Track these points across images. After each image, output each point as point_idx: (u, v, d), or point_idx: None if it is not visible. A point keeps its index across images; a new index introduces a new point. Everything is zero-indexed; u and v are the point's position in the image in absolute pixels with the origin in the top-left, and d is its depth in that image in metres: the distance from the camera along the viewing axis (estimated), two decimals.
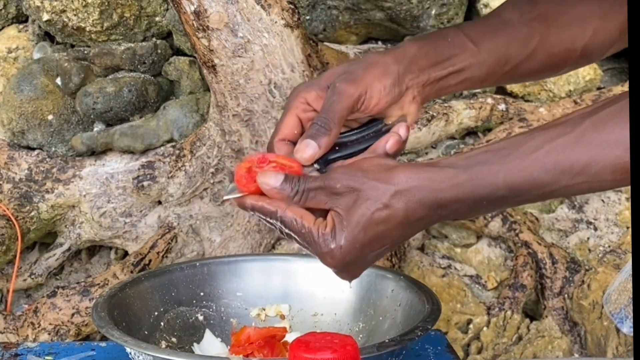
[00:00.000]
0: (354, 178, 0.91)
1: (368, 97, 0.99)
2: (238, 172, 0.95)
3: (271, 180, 0.93)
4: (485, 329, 2.09)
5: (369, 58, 1.03)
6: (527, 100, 2.21)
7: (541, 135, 0.88)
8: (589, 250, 2.16)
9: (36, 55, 2.21)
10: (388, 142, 0.98)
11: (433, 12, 2.15)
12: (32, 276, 2.17)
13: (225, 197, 0.98)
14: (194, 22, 1.76)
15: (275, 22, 1.77)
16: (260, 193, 0.94)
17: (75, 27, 2.12)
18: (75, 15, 2.11)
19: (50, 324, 1.99)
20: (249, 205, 0.95)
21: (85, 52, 2.14)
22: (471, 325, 2.10)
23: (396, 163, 0.94)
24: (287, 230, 0.94)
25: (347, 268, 0.93)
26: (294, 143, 0.99)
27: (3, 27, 2.27)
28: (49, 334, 1.99)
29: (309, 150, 0.95)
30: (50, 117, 2.12)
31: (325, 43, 2.15)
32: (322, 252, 0.91)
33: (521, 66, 1.08)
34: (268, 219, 0.94)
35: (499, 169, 0.88)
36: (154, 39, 2.19)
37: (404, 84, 1.01)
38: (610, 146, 0.85)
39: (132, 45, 2.15)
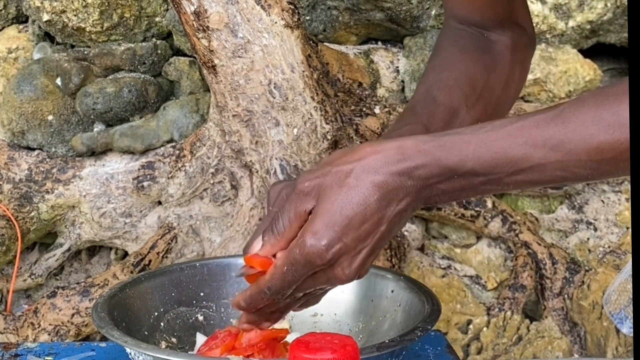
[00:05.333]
0: (319, 170, 0.89)
1: None
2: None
3: (257, 244, 0.93)
4: (485, 329, 2.09)
5: None
6: (527, 101, 2.21)
7: (518, 116, 0.87)
8: (589, 250, 2.16)
9: (36, 56, 2.21)
10: None
11: (433, 12, 2.15)
12: (32, 276, 2.17)
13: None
14: (194, 22, 1.76)
15: (275, 22, 1.77)
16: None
17: (75, 28, 2.12)
18: (75, 15, 2.11)
19: (50, 324, 1.99)
20: (244, 304, 0.96)
21: (85, 52, 2.14)
22: (471, 326, 2.10)
23: (364, 144, 0.93)
24: (284, 291, 0.92)
25: (339, 262, 0.88)
26: None
27: (3, 28, 2.27)
28: (49, 334, 1.99)
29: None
30: (50, 117, 2.12)
31: (325, 43, 2.15)
32: (305, 256, 0.87)
33: None
34: (273, 298, 0.93)
35: (469, 139, 0.85)
36: (154, 40, 2.19)
37: None
38: (585, 124, 0.82)
39: (132, 45, 2.15)
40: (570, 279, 2.11)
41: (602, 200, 2.18)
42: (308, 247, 0.86)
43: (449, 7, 1.18)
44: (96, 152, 2.13)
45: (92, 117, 2.12)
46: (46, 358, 1.24)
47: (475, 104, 1.10)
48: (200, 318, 1.24)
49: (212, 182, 2.06)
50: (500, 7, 1.13)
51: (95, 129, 2.14)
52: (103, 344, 1.28)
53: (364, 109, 2.09)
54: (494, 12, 1.12)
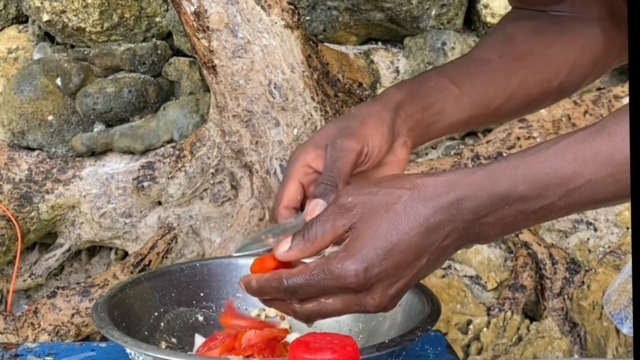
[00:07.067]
0: (364, 189, 0.87)
1: (370, 148, 0.97)
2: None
3: (284, 245, 0.90)
4: (485, 329, 2.09)
5: (361, 110, 1.01)
6: None
7: (562, 135, 0.85)
8: (589, 250, 2.16)
9: (36, 56, 2.21)
10: None
11: (433, 12, 2.15)
12: (32, 277, 2.17)
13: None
14: (194, 22, 1.76)
15: (275, 22, 1.77)
16: None
17: (75, 28, 2.12)
18: (75, 15, 2.11)
19: (50, 324, 1.99)
20: (255, 285, 0.91)
21: (85, 52, 2.14)
22: (471, 326, 2.10)
23: (409, 174, 0.91)
24: (301, 293, 0.87)
25: (374, 289, 0.86)
26: (296, 209, 0.96)
27: (3, 28, 2.28)
28: (49, 334, 1.99)
29: (319, 209, 0.91)
30: (50, 117, 2.12)
31: (325, 44, 2.15)
32: (341, 270, 0.84)
33: (501, 108, 1.07)
34: (282, 298, 0.89)
35: (517, 163, 0.84)
36: (154, 40, 2.19)
37: (395, 130, 1.00)
38: None
39: (132, 45, 2.15)
40: (570, 279, 2.11)
41: None
42: (347, 263, 0.84)
43: None
44: (96, 152, 2.13)
45: (92, 117, 2.12)
46: (46, 358, 1.24)
47: (508, 53, 1.08)
48: (200, 318, 1.24)
49: (212, 182, 2.06)
50: None
51: (95, 129, 2.14)
52: (103, 344, 1.28)
53: None
54: None
